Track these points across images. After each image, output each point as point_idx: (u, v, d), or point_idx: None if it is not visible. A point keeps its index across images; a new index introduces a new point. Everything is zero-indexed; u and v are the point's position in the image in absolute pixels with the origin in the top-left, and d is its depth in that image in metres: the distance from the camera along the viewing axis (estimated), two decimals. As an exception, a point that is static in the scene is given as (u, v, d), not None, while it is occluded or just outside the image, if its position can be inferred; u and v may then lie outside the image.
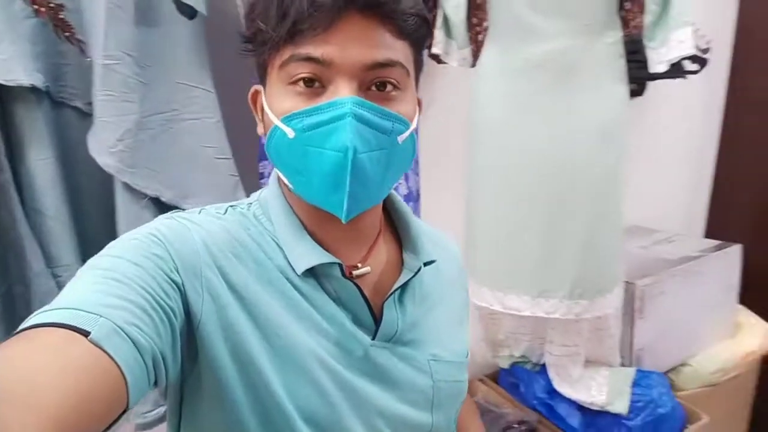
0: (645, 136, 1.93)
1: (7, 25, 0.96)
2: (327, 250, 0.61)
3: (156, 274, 0.51)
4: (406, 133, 0.59)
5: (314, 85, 0.55)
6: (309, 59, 0.54)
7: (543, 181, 1.33)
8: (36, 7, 0.98)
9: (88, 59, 1.01)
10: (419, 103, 0.64)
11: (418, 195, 1.35)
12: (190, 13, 1.00)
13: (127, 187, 1.03)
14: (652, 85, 1.68)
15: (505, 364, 1.69)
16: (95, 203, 1.09)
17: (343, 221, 0.57)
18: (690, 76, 1.59)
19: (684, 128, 2.09)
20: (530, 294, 1.40)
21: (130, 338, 0.45)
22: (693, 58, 1.56)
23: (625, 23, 1.34)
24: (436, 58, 1.37)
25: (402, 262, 0.68)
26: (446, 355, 0.70)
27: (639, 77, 1.42)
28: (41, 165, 1.02)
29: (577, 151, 1.30)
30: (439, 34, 1.33)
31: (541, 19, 1.26)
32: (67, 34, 1.01)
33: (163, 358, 0.49)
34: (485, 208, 1.41)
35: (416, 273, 0.67)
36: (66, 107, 1.06)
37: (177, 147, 1.04)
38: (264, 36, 0.56)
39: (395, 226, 0.72)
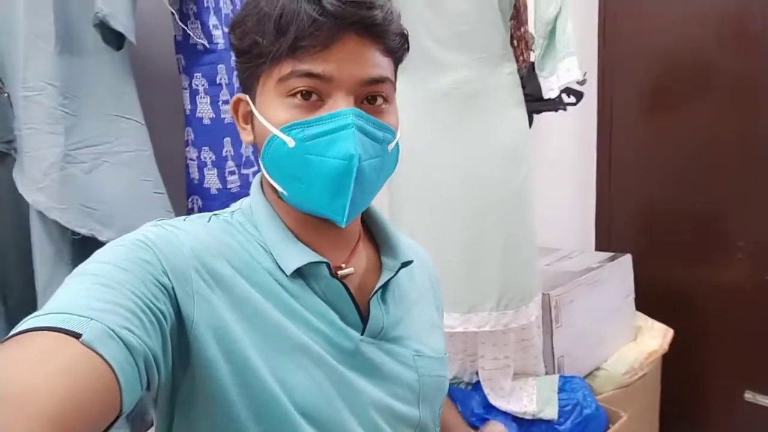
0: (536, 165, 2.13)
1: None
2: (314, 252, 0.64)
3: (145, 278, 0.52)
4: (394, 142, 0.64)
5: (311, 98, 0.59)
6: (310, 75, 0.57)
7: (461, 201, 1.43)
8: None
9: (5, 94, 0.97)
10: None
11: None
12: (117, 43, 0.99)
13: (47, 227, 0.97)
14: (537, 119, 1.89)
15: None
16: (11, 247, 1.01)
17: (343, 226, 0.61)
18: (569, 108, 1.82)
19: (568, 156, 2.34)
20: (460, 311, 1.46)
21: (122, 341, 0.45)
22: (570, 92, 1.78)
23: (516, 58, 1.52)
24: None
25: (380, 264, 0.71)
26: (428, 351, 0.73)
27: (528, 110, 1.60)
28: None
29: (490, 170, 1.42)
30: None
31: (445, 52, 1.40)
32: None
33: (155, 361, 0.49)
34: (409, 231, 1.47)
35: (397, 272, 0.70)
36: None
37: (114, 181, 1.01)
38: (261, 49, 0.59)
39: (371, 231, 0.75)
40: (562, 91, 1.55)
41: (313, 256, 0.63)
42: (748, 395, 2.06)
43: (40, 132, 0.93)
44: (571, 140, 2.32)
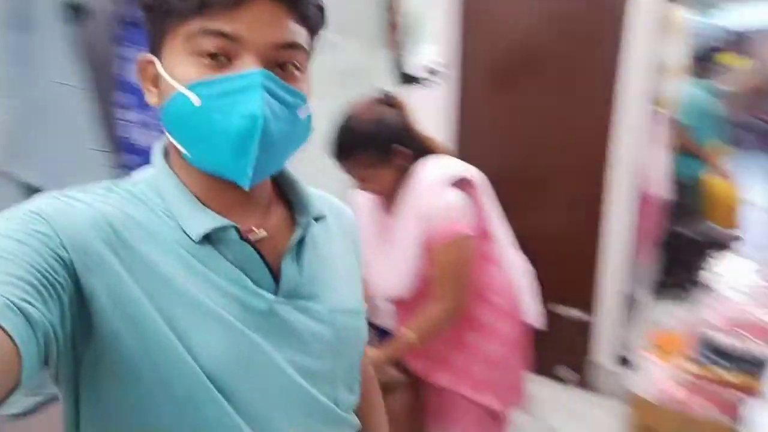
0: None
1: None
2: (221, 216, 0.63)
3: (42, 251, 0.50)
4: (305, 110, 0.63)
5: (219, 58, 0.57)
6: (219, 34, 0.56)
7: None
8: None
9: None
10: None
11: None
12: (74, 17, 1.16)
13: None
14: (408, 95, 2.26)
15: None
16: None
17: (246, 188, 0.60)
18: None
19: (432, 127, 2.75)
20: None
21: (22, 313, 0.44)
22: (432, 71, 2.16)
23: (391, 43, 1.87)
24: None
25: (294, 224, 0.71)
26: (345, 305, 0.73)
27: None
28: None
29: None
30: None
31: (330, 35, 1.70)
32: None
33: (55, 335, 0.49)
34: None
35: (308, 228, 0.70)
36: None
37: (55, 139, 1.18)
38: (169, 6, 0.57)
39: (284, 193, 0.74)
40: (426, 71, 1.91)
41: (219, 221, 0.61)
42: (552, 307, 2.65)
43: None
44: (437, 114, 2.72)
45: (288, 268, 0.67)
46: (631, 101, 2.35)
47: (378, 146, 1.39)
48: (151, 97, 0.64)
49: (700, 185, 3.49)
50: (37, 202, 0.55)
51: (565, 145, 2.52)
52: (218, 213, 0.63)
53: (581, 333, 2.66)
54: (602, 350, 2.69)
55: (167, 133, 0.63)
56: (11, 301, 0.44)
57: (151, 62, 0.62)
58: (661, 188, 3.20)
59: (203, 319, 0.58)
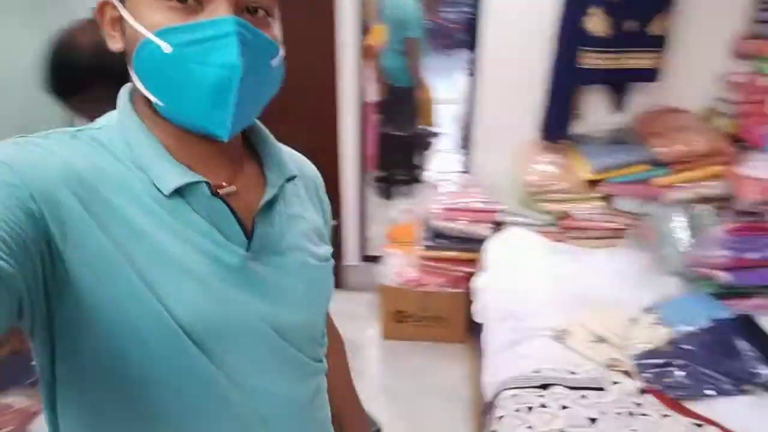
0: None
1: None
2: (192, 170, 0.61)
3: (10, 203, 0.48)
4: (278, 57, 0.61)
5: (188, 2, 0.55)
6: None
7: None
8: None
9: None
10: None
11: None
12: None
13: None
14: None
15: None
16: None
17: (224, 139, 0.58)
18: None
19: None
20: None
21: None
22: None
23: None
24: None
25: (264, 179, 0.70)
26: (314, 259, 0.73)
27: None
28: None
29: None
30: None
31: None
32: None
33: (27, 289, 0.48)
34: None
35: (281, 188, 0.69)
36: None
37: None
38: None
39: (253, 146, 0.72)
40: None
41: (192, 176, 0.60)
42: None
43: None
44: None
45: (260, 224, 0.66)
46: (347, 16, 2.51)
47: (112, 77, 1.20)
48: (113, 43, 0.60)
49: (409, 88, 3.90)
50: (6, 150, 0.53)
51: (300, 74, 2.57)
52: (188, 166, 0.61)
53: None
54: (349, 251, 2.97)
55: (135, 81, 0.60)
56: None
57: (111, 4, 0.59)
58: (375, 94, 3.52)
59: (177, 274, 0.57)
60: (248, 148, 0.72)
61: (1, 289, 0.44)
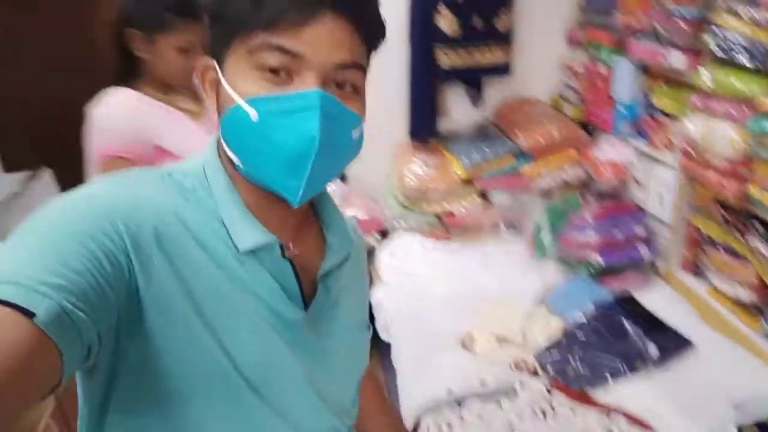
0: None
1: None
2: (266, 228, 0.64)
3: (103, 250, 0.51)
4: (359, 130, 0.64)
5: (280, 74, 0.58)
6: (282, 50, 0.56)
7: None
8: None
9: None
10: None
11: None
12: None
13: None
14: None
15: None
16: None
17: (295, 206, 0.62)
18: None
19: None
20: None
21: (71, 320, 0.46)
22: None
23: None
24: None
25: (323, 243, 0.73)
26: (359, 326, 0.80)
27: None
28: None
29: None
30: None
31: None
32: None
33: (100, 338, 0.50)
34: None
35: (345, 261, 0.74)
36: None
37: None
38: (237, 17, 0.57)
39: (316, 210, 0.75)
40: None
41: (268, 237, 0.64)
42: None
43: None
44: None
45: (321, 289, 0.70)
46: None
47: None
48: (208, 102, 0.65)
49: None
50: (105, 194, 0.56)
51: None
52: (263, 223, 0.64)
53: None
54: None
55: (222, 141, 0.64)
56: (63, 308, 0.45)
57: (212, 68, 0.63)
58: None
59: (243, 326, 0.61)
60: (311, 207, 0.75)
61: (76, 339, 0.46)
